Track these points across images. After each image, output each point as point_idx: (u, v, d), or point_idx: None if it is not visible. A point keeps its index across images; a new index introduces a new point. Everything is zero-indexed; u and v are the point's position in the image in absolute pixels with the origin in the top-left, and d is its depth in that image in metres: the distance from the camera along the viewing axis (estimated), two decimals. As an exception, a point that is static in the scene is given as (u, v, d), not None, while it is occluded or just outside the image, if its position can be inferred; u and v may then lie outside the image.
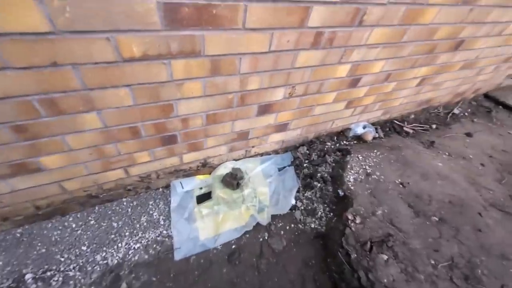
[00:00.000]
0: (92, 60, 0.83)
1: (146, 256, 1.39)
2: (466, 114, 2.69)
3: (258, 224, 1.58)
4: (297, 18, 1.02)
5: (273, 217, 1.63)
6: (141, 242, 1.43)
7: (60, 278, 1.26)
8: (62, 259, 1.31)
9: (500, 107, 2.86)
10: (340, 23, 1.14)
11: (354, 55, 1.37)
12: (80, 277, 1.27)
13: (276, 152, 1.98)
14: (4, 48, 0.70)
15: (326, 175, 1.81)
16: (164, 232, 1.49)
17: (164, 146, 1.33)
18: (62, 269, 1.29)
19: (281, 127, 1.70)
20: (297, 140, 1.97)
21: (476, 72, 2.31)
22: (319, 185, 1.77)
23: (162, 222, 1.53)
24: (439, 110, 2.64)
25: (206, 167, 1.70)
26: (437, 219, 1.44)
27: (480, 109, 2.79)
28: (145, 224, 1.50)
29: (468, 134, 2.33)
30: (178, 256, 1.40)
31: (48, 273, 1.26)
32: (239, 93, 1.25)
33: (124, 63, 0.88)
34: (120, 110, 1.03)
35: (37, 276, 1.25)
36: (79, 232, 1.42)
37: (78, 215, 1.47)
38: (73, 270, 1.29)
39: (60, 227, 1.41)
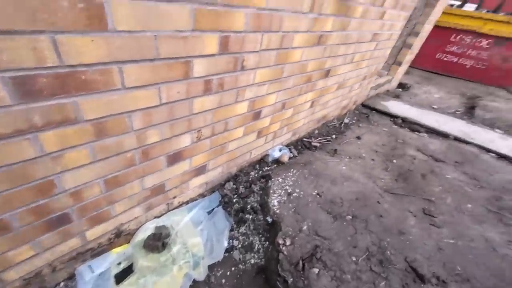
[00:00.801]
0: None
1: None
2: (354, 121, 3.35)
3: (195, 281, 1.43)
4: (181, 71, 1.09)
5: (211, 267, 1.51)
6: None
7: None
8: None
9: (374, 111, 3.70)
10: (224, 70, 1.27)
11: (247, 93, 1.53)
12: None
13: (202, 195, 1.91)
14: None
15: (255, 204, 1.85)
16: None
17: (53, 230, 1.09)
18: None
19: (200, 170, 1.67)
20: (221, 178, 1.98)
21: (349, 90, 2.95)
22: (250, 217, 1.78)
23: (68, 328, 1.18)
24: (334, 122, 3.19)
25: (121, 236, 1.47)
26: (350, 217, 1.66)
27: (362, 115, 3.54)
28: None
29: (358, 137, 2.88)
30: None
31: None
32: (139, 149, 1.18)
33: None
34: (-32, 206, 0.80)
35: None
36: None
37: None
38: None
39: None
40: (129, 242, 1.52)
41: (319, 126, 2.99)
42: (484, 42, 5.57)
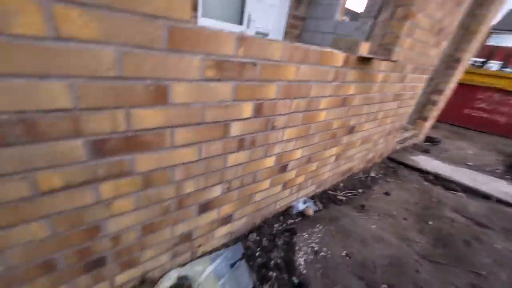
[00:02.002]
0: (5, 199, 0.78)
1: None
2: (380, 175, 3.25)
3: None
4: (220, 132, 1.24)
5: (229, 330, 1.41)
6: None
7: None
8: None
9: (402, 166, 3.59)
10: (257, 130, 1.42)
11: (276, 149, 1.65)
12: None
13: (226, 245, 1.90)
14: None
15: (279, 261, 1.78)
16: None
17: (90, 272, 1.16)
18: None
19: (226, 220, 1.71)
20: (245, 228, 1.97)
21: (373, 144, 2.97)
22: (274, 274, 1.70)
23: None
24: (360, 175, 3.13)
25: (145, 283, 1.47)
26: (386, 286, 1.50)
27: (389, 169, 3.44)
28: None
29: (387, 193, 2.76)
30: None
31: None
32: (176, 199, 1.28)
33: (43, 196, 0.85)
34: (31, 244, 0.91)
35: None
36: None
37: None
38: None
39: None
40: (150, 292, 1.51)
41: (345, 178, 2.95)
42: (515, 99, 5.43)
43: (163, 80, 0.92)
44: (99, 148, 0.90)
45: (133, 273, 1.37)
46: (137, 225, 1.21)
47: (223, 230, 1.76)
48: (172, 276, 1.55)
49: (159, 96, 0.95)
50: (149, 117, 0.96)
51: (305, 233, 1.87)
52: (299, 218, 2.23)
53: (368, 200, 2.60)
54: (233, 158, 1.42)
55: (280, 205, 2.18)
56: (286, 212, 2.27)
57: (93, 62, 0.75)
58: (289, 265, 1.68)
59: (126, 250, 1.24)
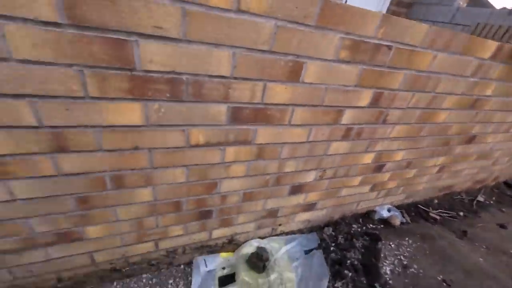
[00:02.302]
0: (165, 146, 0.98)
1: None
2: (492, 202, 2.63)
3: (285, 319, 1.39)
4: (332, 117, 1.22)
5: (302, 311, 1.45)
6: (154, 333, 1.27)
7: None
8: None
9: (526, 196, 2.80)
10: (367, 121, 1.33)
11: (378, 145, 1.52)
12: None
13: (301, 231, 1.92)
14: (105, 136, 0.86)
15: (356, 262, 1.69)
16: (181, 321, 1.33)
17: (199, 220, 1.36)
18: None
19: (309, 207, 1.72)
20: (323, 220, 1.94)
21: (492, 162, 2.40)
22: (350, 274, 1.63)
23: (179, 308, 1.38)
24: (462, 196, 2.61)
25: (231, 244, 1.65)
26: (496, 332, 1.24)
27: (505, 198, 2.74)
28: (161, 308, 1.36)
29: (502, 226, 2.22)
30: None
31: None
32: (276, 175, 1.35)
33: (189, 148, 1.03)
34: (172, 186, 1.13)
35: None
36: (91, 313, 1.29)
37: (94, 292, 1.37)
38: None
39: (72, 305, 1.30)
40: (233, 251, 1.68)
41: (440, 195, 2.52)
42: None
43: (301, 58, 0.95)
44: (236, 115, 1.00)
45: (226, 232, 1.54)
46: (241, 191, 1.33)
47: (304, 216, 1.78)
48: (253, 245, 1.67)
49: (294, 73, 0.98)
50: (280, 93, 1.01)
51: (392, 243, 1.70)
52: (382, 226, 2.05)
53: (472, 227, 2.15)
54: (334, 147, 1.38)
55: (362, 206, 2.04)
56: (367, 215, 2.11)
57: (254, 34, 0.83)
58: (369, 270, 1.57)
59: (227, 210, 1.39)
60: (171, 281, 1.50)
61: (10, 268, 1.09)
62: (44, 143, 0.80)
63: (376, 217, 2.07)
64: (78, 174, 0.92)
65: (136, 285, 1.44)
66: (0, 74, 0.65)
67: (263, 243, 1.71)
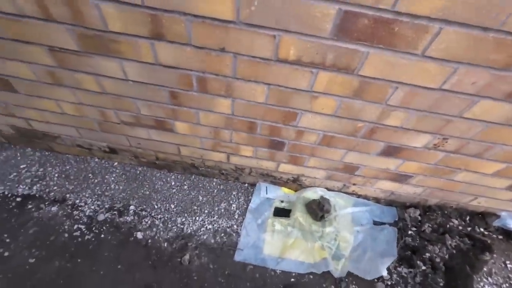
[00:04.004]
0: (251, 53, 0.86)
1: (212, 241, 1.44)
2: None
3: (327, 271, 1.35)
4: (504, 57, 0.74)
5: (348, 274, 1.35)
6: (213, 225, 1.49)
7: (149, 222, 1.47)
8: (156, 207, 1.53)
9: None
10: None
11: None
12: (161, 229, 1.44)
13: (377, 200, 1.65)
14: (194, 28, 0.81)
15: (438, 260, 1.36)
16: (235, 227, 1.50)
17: (269, 149, 1.32)
18: (153, 214, 1.50)
19: (400, 178, 1.38)
20: (411, 199, 1.57)
21: None
22: (423, 267, 1.34)
23: (236, 217, 1.54)
24: None
25: (295, 183, 1.60)
26: None
27: None
28: (222, 210, 1.56)
29: None
30: (238, 257, 1.37)
31: (143, 213, 1.50)
32: (372, 125, 1.06)
33: (276, 63, 0.87)
34: (250, 104, 1.06)
35: (136, 211, 1.50)
36: (174, 191, 1.62)
37: (178, 177, 1.68)
38: (159, 220, 1.48)
39: (163, 180, 1.66)
40: (296, 191, 1.65)
41: None
42: None
43: None
44: (346, 25, 0.73)
45: (293, 170, 1.47)
46: (322, 131, 1.15)
47: (387, 186, 1.47)
48: (317, 192, 1.57)
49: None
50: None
51: (507, 261, 1.23)
52: (499, 236, 1.49)
53: None
54: (482, 108, 0.91)
55: (480, 204, 1.50)
56: (481, 216, 1.57)
57: None
58: (456, 277, 1.23)
59: (300, 148, 1.27)
60: (234, 193, 1.65)
61: (127, 136, 1.41)
62: (145, 26, 0.82)
63: (496, 223, 1.51)
64: (170, 67, 0.96)
65: (207, 184, 1.67)
66: None
67: (329, 194, 1.58)
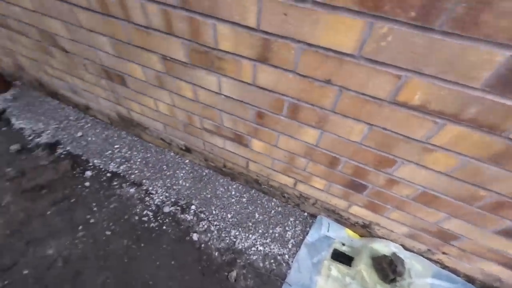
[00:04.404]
0: (362, 90, 0.74)
1: (261, 264, 1.37)
2: None
3: None
4: None
5: None
6: (264, 248, 1.43)
7: (205, 226, 1.50)
8: (214, 212, 1.56)
9: None
10: None
11: None
12: (215, 237, 1.46)
13: (470, 279, 1.30)
14: (304, 56, 0.75)
15: None
16: (286, 256, 1.40)
17: (346, 188, 1.17)
18: (210, 219, 1.53)
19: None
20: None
21: None
22: None
23: (289, 246, 1.44)
24: None
25: (365, 229, 1.39)
26: None
27: None
28: (276, 235, 1.48)
29: None
30: (285, 292, 1.27)
31: (202, 215, 1.55)
32: (502, 198, 0.81)
33: (390, 105, 0.74)
34: (340, 140, 0.95)
35: (196, 211, 1.56)
36: (232, 200, 1.62)
37: (239, 187, 1.68)
38: (214, 227, 1.50)
39: (225, 187, 1.68)
40: (361, 236, 1.44)
41: None
42: None
43: None
44: (511, 76, 0.55)
45: (367, 215, 1.27)
46: (421, 187, 0.94)
47: (494, 269, 1.13)
48: (390, 248, 1.33)
49: None
50: None
51: None
52: None
53: None
54: None
55: None
56: None
57: None
58: None
59: (386, 197, 1.08)
60: (291, 219, 1.55)
61: (204, 141, 1.47)
62: (253, 48, 0.80)
63: None
64: (265, 89, 0.92)
65: (266, 203, 1.62)
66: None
67: (404, 254, 1.32)
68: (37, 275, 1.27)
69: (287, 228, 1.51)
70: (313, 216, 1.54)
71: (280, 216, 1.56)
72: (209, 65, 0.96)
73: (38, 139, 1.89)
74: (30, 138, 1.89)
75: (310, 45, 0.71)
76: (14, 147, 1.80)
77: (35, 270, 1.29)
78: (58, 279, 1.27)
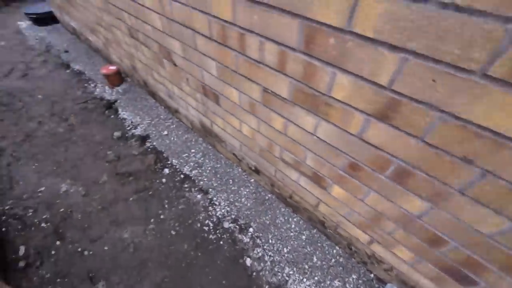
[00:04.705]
0: (519, 183, 0.58)
1: (312, 318, 1.25)
2: None
3: None
4: None
5: None
6: (318, 299, 1.30)
7: (260, 253, 1.47)
8: (270, 241, 1.51)
9: None
10: None
11: None
12: (267, 268, 1.41)
13: None
14: (440, 127, 0.63)
15: None
16: (342, 319, 1.25)
17: (443, 272, 0.96)
18: (265, 247, 1.49)
19: None
20: None
21: None
22: None
23: (347, 308, 1.28)
24: None
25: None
26: None
27: None
28: (333, 289, 1.34)
29: None
30: None
31: (258, 241, 1.52)
32: None
33: None
34: (459, 223, 0.77)
35: (253, 235, 1.54)
36: (291, 234, 1.55)
37: (300, 222, 1.60)
38: (268, 257, 1.45)
39: (285, 217, 1.62)
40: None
41: None
42: None
43: None
44: None
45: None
46: None
47: None
48: None
49: None
50: None
51: None
52: None
53: None
54: None
55: None
56: None
57: None
58: None
59: None
60: (354, 277, 1.38)
61: (277, 169, 1.44)
62: (372, 104, 0.73)
63: None
64: (371, 144, 0.83)
65: (327, 248, 1.49)
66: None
67: None
68: (113, 255, 1.45)
69: (347, 286, 1.34)
70: (381, 282, 1.33)
71: (341, 268, 1.41)
72: (312, 107, 0.92)
73: (134, 130, 2.20)
74: (129, 128, 2.22)
75: (457, 118, 0.59)
76: (116, 134, 2.14)
77: (112, 250, 1.47)
78: (128, 264, 1.41)
